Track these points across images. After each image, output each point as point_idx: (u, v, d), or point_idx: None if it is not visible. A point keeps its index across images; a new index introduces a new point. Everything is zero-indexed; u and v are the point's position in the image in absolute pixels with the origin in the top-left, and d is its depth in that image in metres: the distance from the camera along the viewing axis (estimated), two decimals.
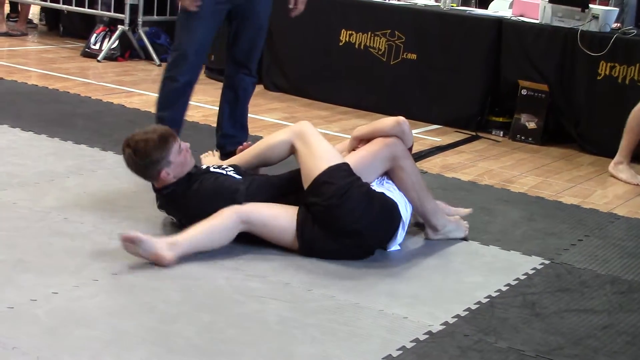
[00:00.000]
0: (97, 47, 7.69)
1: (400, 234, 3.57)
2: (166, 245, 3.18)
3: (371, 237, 3.45)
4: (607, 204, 4.70)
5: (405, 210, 3.57)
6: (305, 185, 3.43)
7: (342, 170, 3.41)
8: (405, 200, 3.59)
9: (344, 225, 3.38)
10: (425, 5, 6.69)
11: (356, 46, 6.61)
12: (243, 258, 3.34)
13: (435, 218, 3.71)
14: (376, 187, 3.54)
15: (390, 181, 3.60)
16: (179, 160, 3.49)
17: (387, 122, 3.68)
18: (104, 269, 3.09)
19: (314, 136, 3.51)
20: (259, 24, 4.53)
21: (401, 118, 3.70)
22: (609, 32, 5.90)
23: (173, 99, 4.43)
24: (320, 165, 3.41)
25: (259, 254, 3.40)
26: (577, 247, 3.92)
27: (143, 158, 3.45)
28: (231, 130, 4.60)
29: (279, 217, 3.40)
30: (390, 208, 3.49)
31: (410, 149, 3.71)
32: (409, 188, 3.58)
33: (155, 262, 3.14)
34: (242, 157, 3.76)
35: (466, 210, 3.97)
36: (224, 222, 3.31)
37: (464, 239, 3.78)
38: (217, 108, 4.68)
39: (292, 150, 3.55)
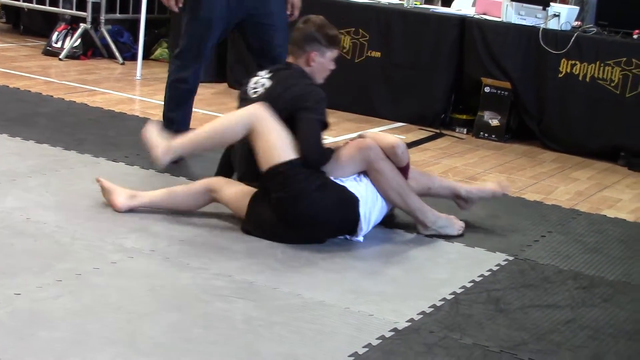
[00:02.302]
0: (58, 45, 7.62)
1: (362, 228, 3.63)
2: (125, 195, 3.67)
3: (323, 226, 3.59)
4: (569, 200, 4.76)
5: (366, 206, 3.62)
6: (263, 168, 3.54)
7: (298, 165, 3.50)
8: (375, 199, 3.66)
9: (295, 215, 3.52)
10: (389, 3, 6.71)
11: None
12: (208, 257, 3.33)
13: (422, 214, 3.80)
14: (344, 181, 3.63)
15: (367, 178, 3.69)
16: (328, 64, 3.80)
17: (385, 140, 3.76)
18: (68, 269, 3.06)
19: (272, 122, 3.54)
20: (280, 26, 4.57)
21: (398, 143, 3.74)
22: (570, 30, 5.96)
23: (184, 100, 4.58)
24: (280, 155, 3.49)
25: (224, 253, 3.40)
26: (540, 243, 3.96)
27: (318, 28, 3.76)
28: None
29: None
30: (347, 200, 3.58)
31: (405, 167, 3.79)
32: (386, 189, 3.68)
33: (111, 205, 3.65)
34: (193, 139, 3.64)
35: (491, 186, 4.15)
36: (190, 187, 3.71)
37: (460, 235, 3.87)
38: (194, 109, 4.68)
39: (249, 133, 3.55)
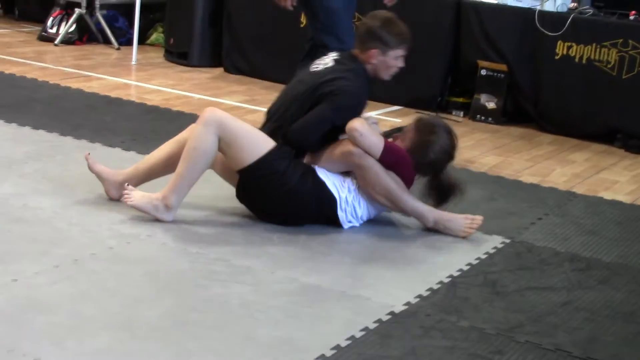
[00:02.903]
0: (54, 30, 7.59)
1: (345, 225, 3.62)
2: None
3: (303, 215, 3.60)
4: (565, 183, 4.76)
5: (346, 207, 3.59)
6: (237, 168, 3.50)
7: (275, 158, 3.47)
8: (358, 202, 3.62)
9: (276, 203, 3.54)
10: None
11: None
12: (206, 242, 3.33)
13: (418, 216, 3.68)
14: (329, 176, 3.58)
15: (354, 183, 3.63)
16: (392, 62, 3.69)
17: (349, 125, 3.53)
18: (65, 255, 3.06)
19: (233, 123, 3.47)
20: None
21: (355, 127, 3.50)
22: (566, 11, 5.95)
23: None
24: (253, 154, 3.45)
25: (222, 237, 3.40)
26: (536, 225, 3.96)
27: (382, 25, 3.66)
28: None
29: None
30: (324, 197, 3.55)
31: (406, 172, 3.63)
32: (372, 194, 3.59)
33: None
34: (180, 184, 3.44)
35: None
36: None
37: (465, 237, 3.67)
38: (177, 92, 4.65)
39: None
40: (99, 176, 3.66)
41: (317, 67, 3.73)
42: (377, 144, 3.54)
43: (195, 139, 3.44)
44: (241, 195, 3.61)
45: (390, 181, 3.58)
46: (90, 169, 3.66)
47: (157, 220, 3.45)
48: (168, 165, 3.59)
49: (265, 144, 3.50)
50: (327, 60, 3.75)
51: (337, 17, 4.47)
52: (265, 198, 3.54)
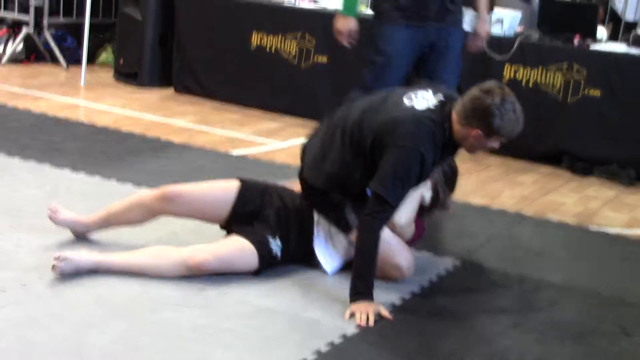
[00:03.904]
0: (0, 49, 7.50)
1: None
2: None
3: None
4: (514, 205, 4.82)
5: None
6: None
7: (264, 256, 3.32)
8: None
9: None
10: (336, 10, 6.71)
11: (267, 49, 6.61)
12: None
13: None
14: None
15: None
16: (490, 145, 3.19)
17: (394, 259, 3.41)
18: (12, 279, 3.00)
19: (221, 264, 3.23)
20: (453, 58, 4.36)
21: (402, 265, 3.42)
22: (513, 36, 6.04)
23: None
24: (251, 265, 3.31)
25: None
26: (486, 247, 4.00)
27: (501, 106, 3.10)
28: None
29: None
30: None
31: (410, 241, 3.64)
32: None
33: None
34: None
35: None
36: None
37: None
38: (127, 112, 4.61)
39: None
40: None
41: (410, 100, 3.30)
42: (408, 235, 3.63)
43: (182, 264, 3.20)
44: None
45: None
46: (58, 223, 3.46)
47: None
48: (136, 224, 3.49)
49: (252, 256, 3.28)
50: (428, 100, 3.31)
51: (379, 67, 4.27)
52: None
